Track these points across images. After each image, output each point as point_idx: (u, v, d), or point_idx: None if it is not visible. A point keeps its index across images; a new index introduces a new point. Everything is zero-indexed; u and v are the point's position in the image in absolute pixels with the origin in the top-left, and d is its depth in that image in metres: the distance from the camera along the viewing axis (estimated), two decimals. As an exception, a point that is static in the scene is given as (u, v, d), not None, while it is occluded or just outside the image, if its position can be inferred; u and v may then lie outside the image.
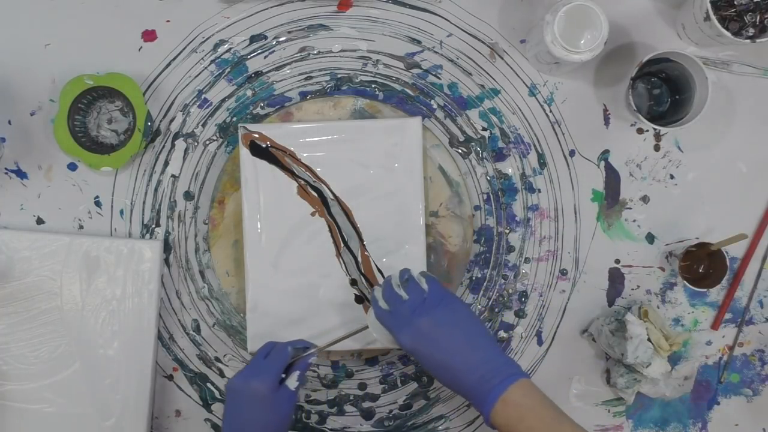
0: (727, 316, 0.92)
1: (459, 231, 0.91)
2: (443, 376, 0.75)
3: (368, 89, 0.91)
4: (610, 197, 0.92)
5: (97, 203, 0.91)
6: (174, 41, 0.91)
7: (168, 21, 0.90)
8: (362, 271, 0.88)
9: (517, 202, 0.92)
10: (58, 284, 0.88)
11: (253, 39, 0.91)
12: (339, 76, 0.91)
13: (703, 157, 0.92)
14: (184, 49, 0.91)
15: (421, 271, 0.79)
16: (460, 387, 0.74)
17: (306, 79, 0.91)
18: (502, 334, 0.92)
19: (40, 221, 0.91)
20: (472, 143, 0.91)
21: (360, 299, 0.88)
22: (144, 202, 0.91)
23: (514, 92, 0.91)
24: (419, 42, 0.91)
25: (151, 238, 0.91)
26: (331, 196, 0.88)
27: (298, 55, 0.91)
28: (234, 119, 0.91)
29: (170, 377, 0.91)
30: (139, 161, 0.91)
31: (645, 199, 0.92)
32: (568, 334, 0.92)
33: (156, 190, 0.91)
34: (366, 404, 0.92)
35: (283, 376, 0.77)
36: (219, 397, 0.91)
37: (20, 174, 0.91)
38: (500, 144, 0.91)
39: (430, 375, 0.75)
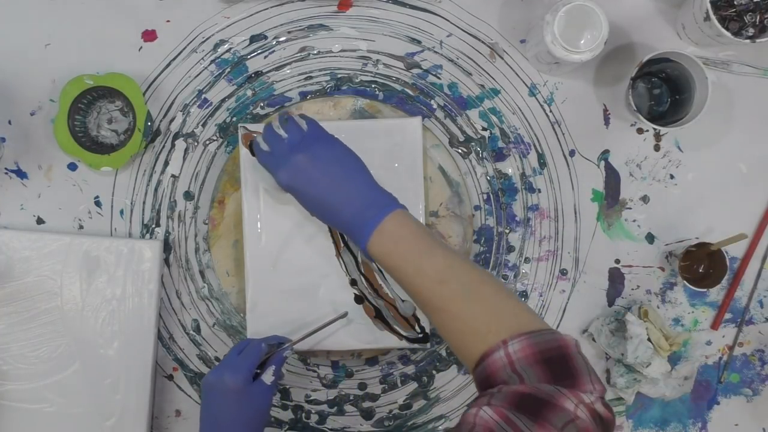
0: (727, 316, 0.92)
1: (459, 231, 0.91)
2: (322, 213, 0.77)
3: (368, 89, 0.91)
4: (610, 197, 0.92)
5: (97, 203, 0.91)
6: (174, 41, 0.91)
7: (168, 21, 0.90)
8: (362, 271, 0.88)
9: (517, 202, 0.92)
10: (58, 284, 0.88)
11: (253, 39, 0.91)
12: (339, 76, 0.91)
13: (703, 157, 0.92)
14: (184, 49, 0.91)
15: (300, 113, 0.82)
16: (338, 221, 0.76)
17: (306, 79, 0.91)
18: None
19: (40, 221, 0.91)
20: (472, 143, 0.91)
21: (360, 299, 0.88)
22: (144, 202, 0.91)
23: (514, 92, 0.91)
24: (419, 42, 0.91)
25: (151, 238, 0.91)
26: (331, 196, 0.88)
27: (298, 55, 0.91)
28: (234, 119, 0.91)
29: (170, 377, 0.91)
30: (139, 161, 0.91)
31: (645, 199, 0.92)
32: (568, 334, 0.92)
33: (156, 190, 0.91)
34: (366, 404, 0.92)
35: (258, 371, 0.78)
36: (219, 397, 0.91)
37: (20, 174, 0.91)
38: (500, 144, 0.91)
39: (312, 213, 0.78)
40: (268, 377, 0.78)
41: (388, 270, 0.74)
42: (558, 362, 0.63)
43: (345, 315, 0.85)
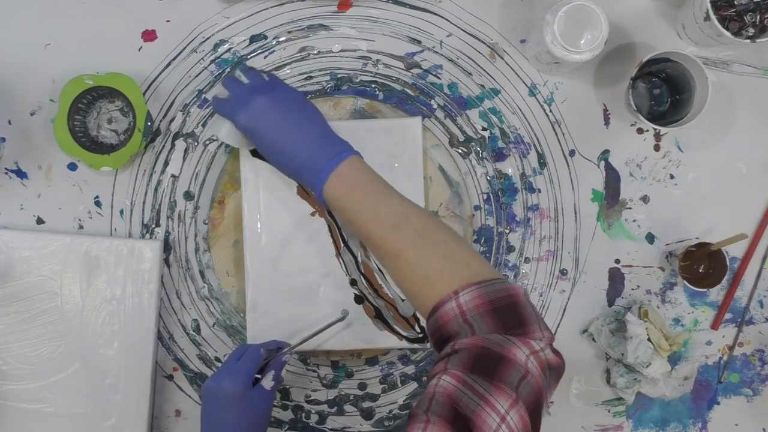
0: (727, 316, 0.92)
1: (459, 231, 0.90)
2: (279, 157, 0.77)
3: (368, 89, 0.91)
4: (610, 197, 0.92)
5: (97, 203, 0.91)
6: (174, 41, 0.91)
7: (168, 21, 0.90)
8: (362, 271, 0.88)
9: (517, 202, 0.92)
10: (58, 284, 0.88)
11: (253, 39, 0.91)
12: (339, 76, 0.91)
13: (703, 157, 0.92)
14: (184, 49, 0.91)
15: (260, 68, 0.85)
16: (294, 165, 0.76)
17: (306, 79, 0.91)
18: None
19: (40, 221, 0.91)
20: (472, 143, 0.91)
21: (360, 299, 0.88)
22: (144, 202, 0.91)
23: (514, 92, 0.91)
24: (419, 42, 0.91)
25: (151, 238, 0.91)
26: (331, 196, 0.88)
27: (298, 55, 0.91)
28: (234, 119, 0.91)
29: (170, 377, 0.91)
30: (139, 161, 0.91)
31: (645, 199, 0.92)
32: (568, 334, 0.92)
33: (156, 190, 0.91)
34: (366, 404, 0.92)
35: (258, 376, 0.79)
36: (219, 397, 0.91)
37: (20, 174, 0.91)
38: (500, 144, 0.91)
39: (267, 159, 0.79)
40: (267, 382, 0.78)
41: (342, 213, 0.74)
42: (508, 311, 0.63)
43: (344, 317, 0.85)
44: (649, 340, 0.86)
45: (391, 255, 0.71)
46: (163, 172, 0.91)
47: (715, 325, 0.92)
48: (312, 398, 0.92)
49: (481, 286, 0.64)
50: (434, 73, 0.91)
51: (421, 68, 0.91)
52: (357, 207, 0.73)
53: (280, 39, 0.91)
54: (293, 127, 0.76)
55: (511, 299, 0.64)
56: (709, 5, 0.81)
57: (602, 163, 0.92)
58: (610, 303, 0.92)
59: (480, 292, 0.64)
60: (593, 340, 0.91)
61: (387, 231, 0.71)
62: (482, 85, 0.91)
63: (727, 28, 0.82)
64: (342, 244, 0.88)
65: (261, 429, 0.78)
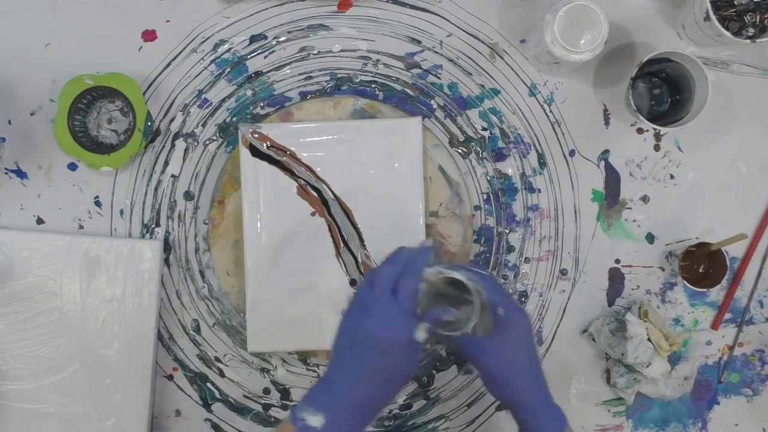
0: (727, 316, 0.92)
1: (459, 231, 0.91)
2: (505, 394, 0.73)
3: (368, 89, 0.91)
4: (610, 197, 0.92)
5: (97, 203, 0.91)
6: (174, 41, 0.91)
7: (168, 21, 0.90)
8: (362, 271, 0.88)
9: (517, 202, 0.92)
10: (58, 284, 0.88)
11: (253, 39, 0.91)
12: (339, 76, 0.91)
13: (703, 157, 0.92)
14: (184, 49, 0.91)
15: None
16: (515, 408, 0.73)
17: (306, 79, 0.91)
18: (502, 334, 0.92)
19: (40, 221, 0.91)
20: (472, 143, 0.91)
21: (360, 299, 0.88)
22: (144, 202, 0.91)
23: (514, 92, 0.91)
24: (419, 42, 0.91)
25: (151, 238, 0.91)
26: (331, 196, 0.88)
27: (298, 55, 0.91)
28: (234, 119, 0.91)
29: (170, 377, 0.91)
30: (139, 161, 0.91)
31: (645, 199, 0.92)
32: (568, 334, 0.92)
33: (156, 190, 0.91)
34: (366, 404, 0.92)
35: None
36: (219, 396, 0.91)
37: (20, 174, 0.91)
38: (500, 144, 0.91)
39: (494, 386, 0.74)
40: (420, 334, 0.68)
41: None
42: None
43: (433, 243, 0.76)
44: (649, 340, 0.86)
45: None
46: (163, 172, 0.91)
47: (715, 325, 0.92)
48: (312, 398, 0.92)
49: None
50: (434, 73, 0.91)
51: (421, 68, 0.91)
52: None
53: (280, 39, 0.91)
54: (527, 377, 0.72)
55: None
56: (709, 5, 0.81)
57: (602, 163, 0.92)
58: (610, 303, 0.92)
59: None
60: (593, 340, 0.91)
61: None
62: (482, 85, 0.91)
63: (727, 28, 0.82)
64: (342, 244, 0.88)
65: (399, 382, 0.70)
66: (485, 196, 0.92)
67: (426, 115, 0.91)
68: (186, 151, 0.91)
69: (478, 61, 0.91)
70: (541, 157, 0.91)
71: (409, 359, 0.68)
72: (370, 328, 0.67)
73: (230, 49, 0.91)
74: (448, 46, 0.91)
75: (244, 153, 0.88)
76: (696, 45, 0.91)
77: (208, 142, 0.91)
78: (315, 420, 0.67)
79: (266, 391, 0.91)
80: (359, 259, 0.88)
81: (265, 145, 0.88)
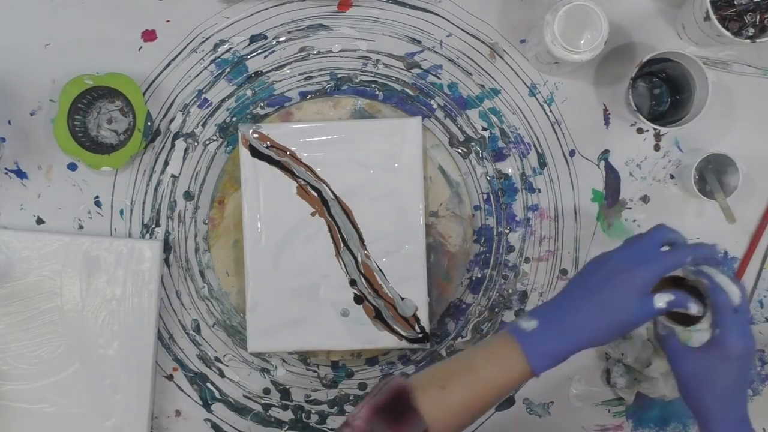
0: (727, 316, 0.92)
1: (459, 231, 0.90)
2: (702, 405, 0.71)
3: (368, 89, 0.91)
4: (610, 197, 0.92)
5: (97, 203, 0.91)
6: (174, 41, 0.91)
7: (168, 21, 0.90)
8: (362, 271, 0.88)
9: (517, 202, 0.92)
10: (58, 284, 0.88)
11: (253, 39, 0.91)
12: (339, 76, 0.91)
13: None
14: (184, 49, 0.91)
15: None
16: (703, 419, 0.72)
17: (306, 79, 0.91)
18: (502, 334, 0.92)
19: (40, 221, 0.91)
20: (472, 143, 0.91)
21: (360, 299, 0.88)
22: (144, 202, 0.91)
23: (514, 92, 0.91)
24: (419, 42, 0.91)
25: (151, 238, 0.91)
26: (331, 196, 0.88)
27: (298, 55, 0.91)
28: (234, 119, 0.91)
29: (170, 377, 0.91)
30: (139, 161, 0.91)
31: (645, 199, 0.92)
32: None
33: (156, 190, 0.91)
34: (366, 404, 0.92)
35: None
36: (219, 397, 0.91)
37: (20, 174, 0.91)
38: (500, 144, 0.91)
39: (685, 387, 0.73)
40: (661, 300, 0.66)
41: None
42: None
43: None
44: (649, 340, 0.86)
45: None
46: (163, 172, 0.91)
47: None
48: (312, 398, 0.92)
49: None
50: (434, 73, 0.91)
51: (421, 68, 0.91)
52: None
53: (280, 39, 0.91)
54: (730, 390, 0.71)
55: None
56: (709, 5, 0.81)
57: (602, 163, 0.92)
58: (610, 303, 0.92)
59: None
60: (593, 340, 0.91)
61: None
62: (482, 85, 0.91)
63: (727, 28, 0.82)
64: (342, 244, 0.88)
65: (616, 330, 0.67)
66: (485, 196, 0.92)
67: (426, 115, 0.91)
68: (186, 151, 0.91)
69: (478, 61, 0.91)
70: (541, 157, 0.91)
71: (634, 309, 0.66)
72: (621, 258, 0.67)
73: (230, 49, 0.91)
74: (448, 46, 0.91)
75: (244, 153, 0.88)
76: (696, 45, 0.91)
77: (208, 142, 0.91)
78: (529, 324, 0.68)
79: (266, 391, 0.92)
80: (359, 259, 0.88)
81: (265, 145, 0.88)
